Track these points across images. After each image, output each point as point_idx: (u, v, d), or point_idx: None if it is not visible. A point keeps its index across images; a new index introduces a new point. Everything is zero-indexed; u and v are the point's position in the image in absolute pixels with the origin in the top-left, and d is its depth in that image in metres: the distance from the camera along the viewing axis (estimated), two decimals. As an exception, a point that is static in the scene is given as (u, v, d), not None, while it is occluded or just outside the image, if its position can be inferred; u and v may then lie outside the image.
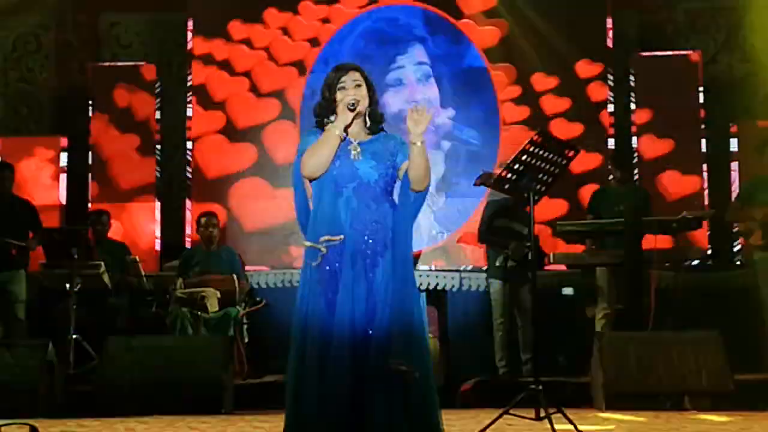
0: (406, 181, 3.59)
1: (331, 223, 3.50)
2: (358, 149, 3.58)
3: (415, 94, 8.70)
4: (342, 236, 3.48)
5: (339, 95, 3.59)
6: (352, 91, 3.59)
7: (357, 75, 3.64)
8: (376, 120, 3.67)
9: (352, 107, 3.55)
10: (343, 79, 3.62)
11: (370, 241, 3.49)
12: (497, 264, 7.12)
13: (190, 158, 8.82)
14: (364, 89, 3.63)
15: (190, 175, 8.81)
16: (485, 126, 8.72)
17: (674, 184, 8.56)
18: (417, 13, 8.87)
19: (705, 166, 8.63)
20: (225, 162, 8.82)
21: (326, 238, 3.48)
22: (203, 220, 7.73)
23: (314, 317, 3.46)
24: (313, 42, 8.90)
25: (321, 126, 3.62)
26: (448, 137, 8.71)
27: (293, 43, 8.92)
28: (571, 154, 4.99)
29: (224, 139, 8.85)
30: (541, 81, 8.75)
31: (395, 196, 3.63)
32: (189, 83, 8.89)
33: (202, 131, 8.86)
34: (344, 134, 3.55)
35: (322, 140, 3.54)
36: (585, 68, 8.76)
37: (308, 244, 3.52)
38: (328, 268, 3.48)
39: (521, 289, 7.08)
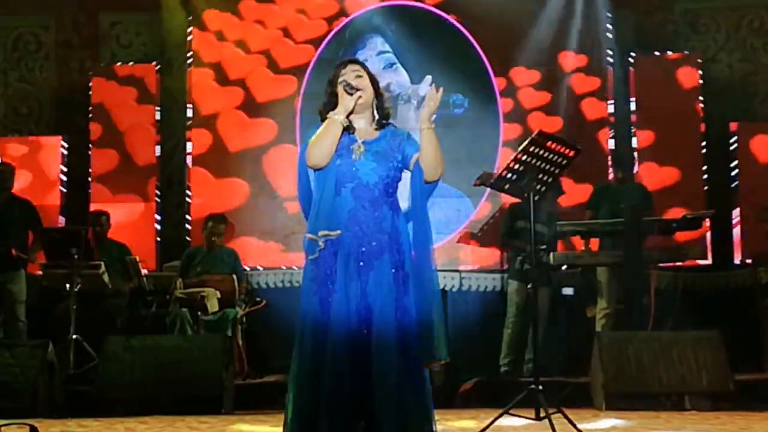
0: (417, 172, 3.56)
1: (329, 221, 3.49)
2: (362, 149, 3.55)
3: (383, 80, 8.71)
4: (339, 231, 3.47)
5: (340, 89, 3.57)
6: (353, 82, 3.57)
7: (357, 66, 3.63)
8: (383, 113, 3.64)
9: (349, 88, 3.51)
10: (342, 72, 3.61)
11: (365, 243, 3.48)
12: (516, 266, 7.12)
13: (190, 158, 8.81)
14: (366, 80, 3.60)
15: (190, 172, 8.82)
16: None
17: (676, 181, 8.56)
18: (377, 10, 8.90)
19: (704, 167, 8.62)
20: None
21: (324, 233, 3.48)
22: (210, 223, 7.74)
23: (308, 316, 3.46)
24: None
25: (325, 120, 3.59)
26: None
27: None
28: (572, 154, 4.99)
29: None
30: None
31: (401, 194, 3.62)
32: (188, 84, 8.90)
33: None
34: (347, 120, 3.53)
35: (324, 128, 3.52)
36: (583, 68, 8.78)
37: (308, 236, 3.52)
38: (322, 267, 3.47)
39: (539, 290, 7.04)
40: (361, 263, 3.46)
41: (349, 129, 3.55)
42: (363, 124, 3.61)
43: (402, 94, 8.71)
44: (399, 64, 8.80)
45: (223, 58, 8.89)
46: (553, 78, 8.72)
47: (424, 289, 3.51)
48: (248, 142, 8.81)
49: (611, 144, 8.66)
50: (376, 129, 3.63)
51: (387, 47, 8.84)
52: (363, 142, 3.56)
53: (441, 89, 3.55)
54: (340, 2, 8.91)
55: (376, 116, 3.63)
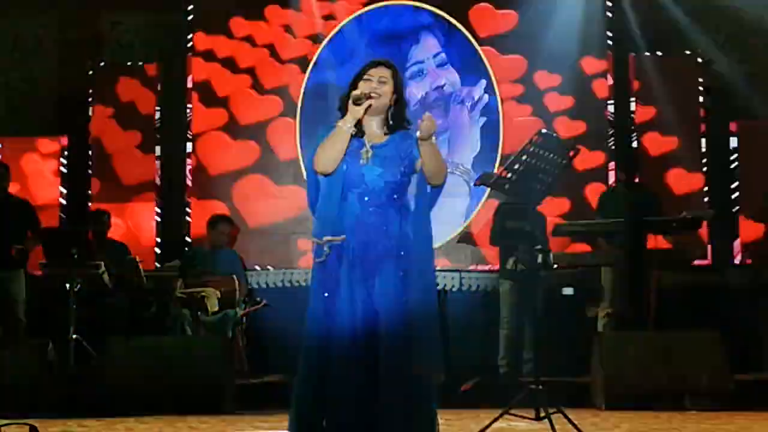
0: (422, 177, 3.56)
1: (335, 225, 3.49)
2: (369, 153, 3.53)
3: (437, 79, 8.68)
4: (344, 236, 3.47)
5: (360, 85, 3.54)
6: (374, 84, 3.54)
7: (385, 71, 3.58)
8: (397, 120, 3.60)
9: (357, 102, 3.50)
10: (371, 71, 3.57)
11: (371, 248, 3.48)
12: (508, 267, 7.12)
13: (190, 158, 8.81)
14: (388, 87, 3.55)
15: (190, 175, 8.80)
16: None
17: (678, 181, 8.55)
18: (419, 9, 8.84)
19: (704, 167, 8.62)
20: (227, 159, 8.79)
21: (328, 238, 3.48)
22: (220, 225, 7.74)
23: (314, 320, 3.47)
24: (315, 39, 8.84)
25: (343, 115, 3.56)
26: (485, 112, 8.62)
27: (295, 40, 8.90)
28: (571, 154, 4.99)
29: (226, 137, 8.83)
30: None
31: (410, 196, 3.61)
32: (190, 82, 8.88)
33: (203, 129, 8.84)
34: (354, 129, 3.51)
35: (331, 137, 3.52)
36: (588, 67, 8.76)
37: (315, 240, 3.52)
38: (328, 270, 3.48)
39: (531, 289, 7.06)
40: (368, 267, 3.46)
41: (358, 132, 3.55)
42: (375, 127, 3.60)
43: (456, 95, 8.66)
44: (450, 65, 8.77)
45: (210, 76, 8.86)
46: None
47: (420, 296, 3.50)
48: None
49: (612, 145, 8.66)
50: (385, 133, 3.61)
51: (440, 47, 8.80)
52: (371, 146, 3.55)
53: (437, 122, 3.51)
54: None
55: (390, 122, 3.61)
